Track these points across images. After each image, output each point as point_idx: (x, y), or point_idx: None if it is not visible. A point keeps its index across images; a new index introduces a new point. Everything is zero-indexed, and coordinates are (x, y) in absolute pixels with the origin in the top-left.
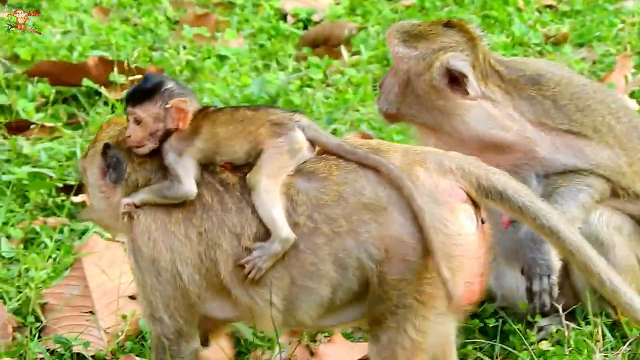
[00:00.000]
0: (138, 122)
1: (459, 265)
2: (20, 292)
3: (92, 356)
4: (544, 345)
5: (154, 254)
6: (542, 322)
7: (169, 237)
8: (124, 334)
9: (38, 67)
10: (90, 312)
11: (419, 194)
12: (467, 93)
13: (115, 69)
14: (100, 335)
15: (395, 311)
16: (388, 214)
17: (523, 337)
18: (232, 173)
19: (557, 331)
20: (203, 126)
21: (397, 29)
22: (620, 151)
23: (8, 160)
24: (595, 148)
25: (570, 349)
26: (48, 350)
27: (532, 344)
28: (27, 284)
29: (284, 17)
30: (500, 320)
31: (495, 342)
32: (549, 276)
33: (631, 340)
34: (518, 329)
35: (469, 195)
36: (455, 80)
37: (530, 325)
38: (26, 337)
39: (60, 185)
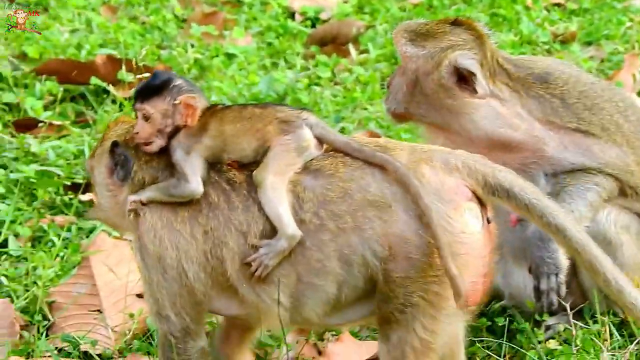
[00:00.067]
0: (146, 118)
1: (464, 263)
2: (27, 291)
3: (100, 355)
4: (552, 344)
5: (159, 252)
6: (549, 320)
7: (175, 235)
8: (131, 332)
9: (46, 65)
10: (98, 310)
11: (425, 192)
12: (476, 91)
13: (124, 67)
14: (108, 334)
15: (403, 310)
16: (392, 211)
17: (531, 336)
18: (239, 171)
19: (564, 330)
20: (211, 123)
21: (404, 29)
22: (629, 150)
23: (16, 159)
24: (603, 147)
25: (578, 347)
26: (55, 348)
27: (539, 342)
28: (34, 283)
29: (291, 15)
30: (508, 319)
31: (502, 340)
32: (556, 275)
33: (639, 339)
34: (525, 327)
35: (475, 193)
36: (464, 78)
37: (537, 324)
38: (33, 335)
39: (68, 183)
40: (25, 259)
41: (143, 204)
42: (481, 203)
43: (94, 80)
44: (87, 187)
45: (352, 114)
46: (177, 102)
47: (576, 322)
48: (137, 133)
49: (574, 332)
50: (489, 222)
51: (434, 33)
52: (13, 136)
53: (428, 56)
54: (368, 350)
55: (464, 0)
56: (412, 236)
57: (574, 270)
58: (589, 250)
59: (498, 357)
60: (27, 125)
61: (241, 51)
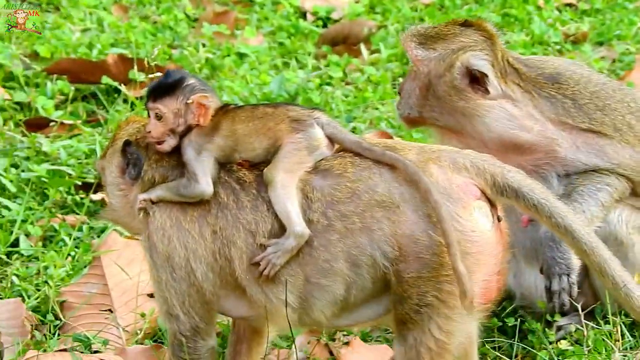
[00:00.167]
0: (159, 117)
1: (475, 262)
2: (39, 290)
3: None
4: (563, 345)
5: (168, 251)
6: (561, 321)
7: (184, 234)
8: (142, 332)
9: (57, 64)
10: (109, 310)
11: (434, 189)
12: (488, 92)
13: (135, 66)
14: (119, 334)
15: (418, 310)
16: (401, 211)
17: (542, 336)
18: (249, 171)
19: (576, 330)
20: (223, 123)
21: (413, 33)
22: None
23: (27, 158)
24: (616, 147)
25: (589, 348)
26: (71, 348)
27: (551, 343)
28: (46, 282)
29: (303, 15)
30: (519, 319)
31: (514, 341)
32: (568, 275)
33: None
34: (537, 328)
35: (484, 192)
36: (476, 79)
37: (549, 324)
38: (45, 335)
39: (80, 183)
40: (37, 258)
41: (153, 202)
42: (491, 202)
43: (105, 79)
44: (99, 187)
45: (364, 113)
46: (189, 101)
47: (588, 322)
48: (150, 132)
49: (585, 332)
50: (499, 220)
51: (444, 35)
52: (24, 135)
53: (440, 58)
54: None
55: (475, 1)
56: (422, 236)
57: (585, 270)
58: (598, 252)
59: (509, 358)
60: (38, 124)
61: (253, 51)
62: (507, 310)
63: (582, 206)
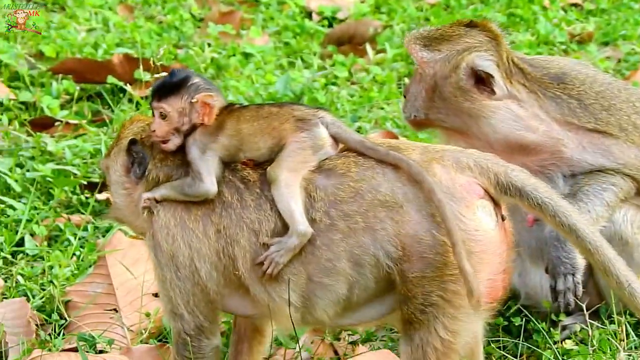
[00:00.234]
0: (163, 116)
1: (479, 261)
2: (44, 290)
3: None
4: (568, 344)
5: (173, 250)
6: (566, 320)
7: (188, 233)
8: (147, 331)
9: (63, 64)
10: (114, 309)
11: (438, 188)
12: (494, 93)
13: (141, 66)
14: (124, 333)
15: (424, 310)
16: (404, 211)
17: (547, 336)
18: (254, 170)
19: (581, 330)
20: (228, 122)
21: (416, 36)
22: None
23: (32, 158)
24: (622, 147)
25: (594, 348)
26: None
27: (556, 342)
28: (51, 282)
29: (309, 15)
30: (524, 319)
31: (519, 340)
32: (573, 275)
33: None
34: (542, 327)
35: (487, 192)
36: (482, 80)
37: (554, 323)
38: (50, 334)
39: (85, 182)
40: (42, 258)
41: (157, 201)
42: (495, 201)
43: (110, 79)
44: (104, 186)
45: (369, 113)
46: (194, 100)
47: (592, 322)
48: (154, 131)
49: (590, 332)
50: (503, 219)
51: (449, 36)
52: (30, 135)
53: (445, 60)
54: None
55: (481, 0)
56: (426, 236)
57: (590, 270)
58: (602, 251)
59: (514, 357)
60: (43, 124)
61: (258, 51)
62: (512, 310)
63: (588, 206)
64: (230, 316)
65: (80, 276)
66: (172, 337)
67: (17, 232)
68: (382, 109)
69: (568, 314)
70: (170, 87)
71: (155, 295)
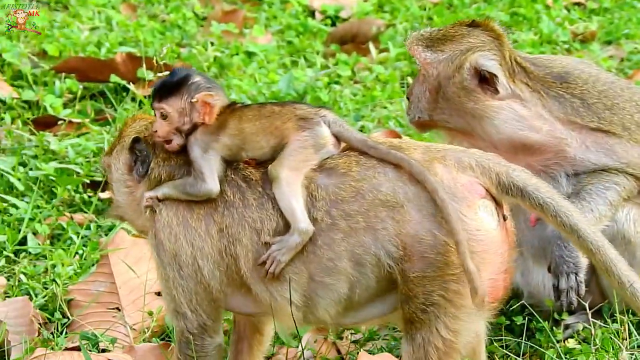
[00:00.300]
0: (164, 117)
1: (481, 261)
2: (46, 288)
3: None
4: (571, 343)
5: (175, 249)
6: (568, 319)
7: (190, 232)
8: (150, 330)
9: (66, 63)
10: (117, 308)
11: (441, 189)
12: (498, 92)
13: (144, 65)
14: (127, 332)
15: (425, 310)
16: (405, 211)
17: (550, 335)
18: (256, 169)
19: (583, 329)
20: (230, 121)
21: (418, 37)
22: None
23: (35, 156)
24: (625, 146)
25: (597, 346)
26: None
27: (558, 341)
28: (53, 280)
29: (312, 13)
30: (527, 318)
31: (521, 339)
32: (576, 274)
33: None
34: (545, 326)
35: (489, 191)
36: (485, 80)
37: (557, 322)
38: (52, 333)
39: (88, 181)
40: (44, 256)
41: (159, 200)
42: (496, 201)
43: (113, 78)
44: (107, 185)
45: (372, 112)
46: (194, 100)
47: (595, 321)
48: (156, 131)
49: (593, 331)
50: (504, 219)
51: (452, 36)
52: (32, 134)
53: (449, 60)
54: None
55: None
56: (426, 235)
57: (593, 269)
58: (604, 251)
59: (517, 356)
60: (46, 123)
61: (261, 49)
62: (515, 309)
63: (591, 205)
64: (231, 314)
65: (83, 275)
66: (175, 336)
67: (19, 230)
68: (385, 107)
69: (571, 312)
70: (170, 87)
71: (158, 294)
